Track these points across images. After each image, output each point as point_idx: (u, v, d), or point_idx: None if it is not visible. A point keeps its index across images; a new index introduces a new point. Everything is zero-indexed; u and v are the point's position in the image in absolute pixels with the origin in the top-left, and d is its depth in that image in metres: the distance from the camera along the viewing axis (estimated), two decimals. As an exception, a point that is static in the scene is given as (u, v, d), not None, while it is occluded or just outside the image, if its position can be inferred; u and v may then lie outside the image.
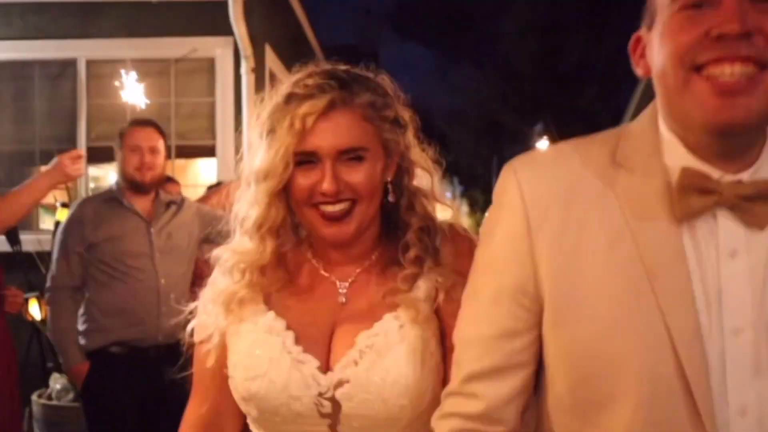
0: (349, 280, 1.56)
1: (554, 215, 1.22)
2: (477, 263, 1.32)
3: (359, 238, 1.54)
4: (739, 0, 1.12)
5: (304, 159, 1.47)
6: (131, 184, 3.80)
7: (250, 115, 1.44)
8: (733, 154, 1.18)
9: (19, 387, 3.66)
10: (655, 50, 1.20)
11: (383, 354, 1.46)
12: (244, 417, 1.61)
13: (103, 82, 6.56)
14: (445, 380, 1.46)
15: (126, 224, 3.75)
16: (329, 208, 1.48)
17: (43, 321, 4.82)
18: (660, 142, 1.23)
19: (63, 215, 4.58)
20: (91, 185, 6.78)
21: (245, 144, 1.61)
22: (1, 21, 6.49)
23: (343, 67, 1.53)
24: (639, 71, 1.28)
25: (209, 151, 6.62)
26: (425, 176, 1.60)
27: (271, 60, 7.20)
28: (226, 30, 6.37)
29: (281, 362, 1.48)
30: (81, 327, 3.77)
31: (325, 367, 1.48)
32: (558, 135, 14.13)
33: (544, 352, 1.26)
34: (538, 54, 23.40)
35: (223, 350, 1.56)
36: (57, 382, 5.36)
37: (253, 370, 1.49)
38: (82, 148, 6.04)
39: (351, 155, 1.47)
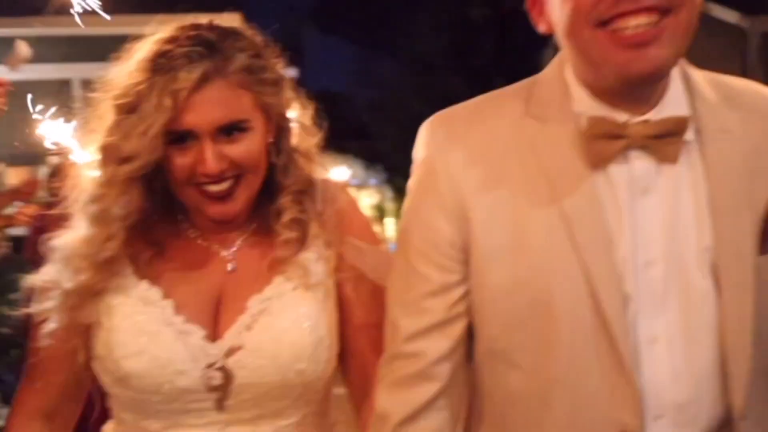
0: (233, 248, 1.46)
1: (473, 171, 1.23)
2: (404, 224, 1.32)
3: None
4: None
5: (178, 138, 1.33)
6: None
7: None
8: (642, 98, 1.19)
9: None
10: (557, 8, 1.18)
11: (278, 317, 1.39)
12: (84, 401, 1.51)
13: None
14: (344, 352, 1.45)
15: None
16: (213, 188, 1.36)
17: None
18: (568, 91, 1.24)
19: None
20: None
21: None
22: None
23: (206, 23, 1.39)
24: (541, 28, 1.26)
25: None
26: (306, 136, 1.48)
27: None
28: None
29: (162, 335, 1.37)
30: None
31: (213, 337, 1.39)
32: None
33: (472, 300, 1.26)
34: (450, 49, 25.01)
35: (76, 328, 1.40)
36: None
37: (129, 346, 1.36)
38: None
39: (231, 129, 1.34)
